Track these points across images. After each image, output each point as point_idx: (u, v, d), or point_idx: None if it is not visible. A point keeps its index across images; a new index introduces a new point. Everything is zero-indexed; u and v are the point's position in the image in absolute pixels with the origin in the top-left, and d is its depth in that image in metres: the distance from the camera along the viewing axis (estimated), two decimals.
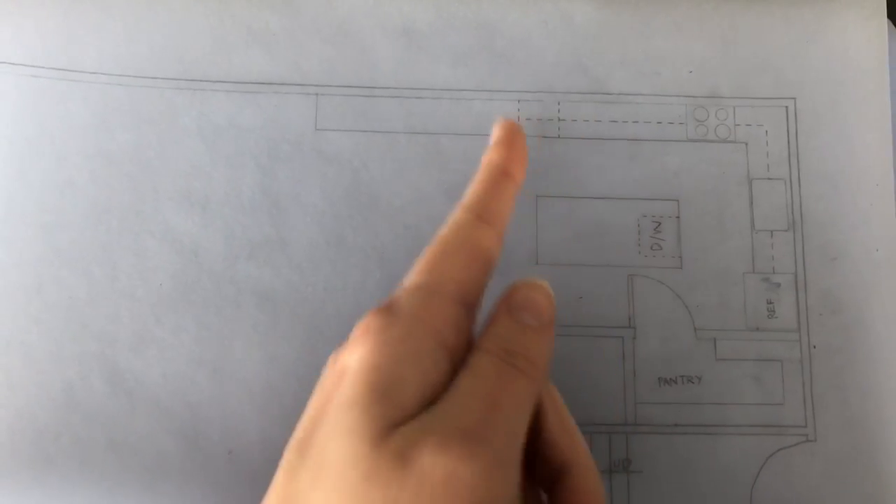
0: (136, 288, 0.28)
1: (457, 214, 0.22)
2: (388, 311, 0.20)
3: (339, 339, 0.28)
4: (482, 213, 0.22)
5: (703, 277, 0.28)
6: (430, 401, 0.18)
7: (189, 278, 0.28)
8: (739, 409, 0.27)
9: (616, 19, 0.30)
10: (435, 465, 0.17)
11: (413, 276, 0.21)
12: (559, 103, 0.30)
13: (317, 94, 0.29)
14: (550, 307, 0.21)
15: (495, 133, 0.24)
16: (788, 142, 0.30)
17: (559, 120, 0.30)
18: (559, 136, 0.29)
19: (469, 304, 0.21)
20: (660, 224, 0.29)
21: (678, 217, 0.29)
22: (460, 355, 0.20)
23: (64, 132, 0.29)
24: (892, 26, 0.31)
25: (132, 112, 0.29)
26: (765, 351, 0.28)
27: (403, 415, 0.18)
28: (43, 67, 0.29)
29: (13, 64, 0.29)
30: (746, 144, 0.30)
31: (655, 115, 0.30)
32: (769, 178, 0.29)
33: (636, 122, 0.30)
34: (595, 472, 0.21)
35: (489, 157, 0.24)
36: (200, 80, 0.29)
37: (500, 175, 0.23)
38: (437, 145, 0.29)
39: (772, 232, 0.29)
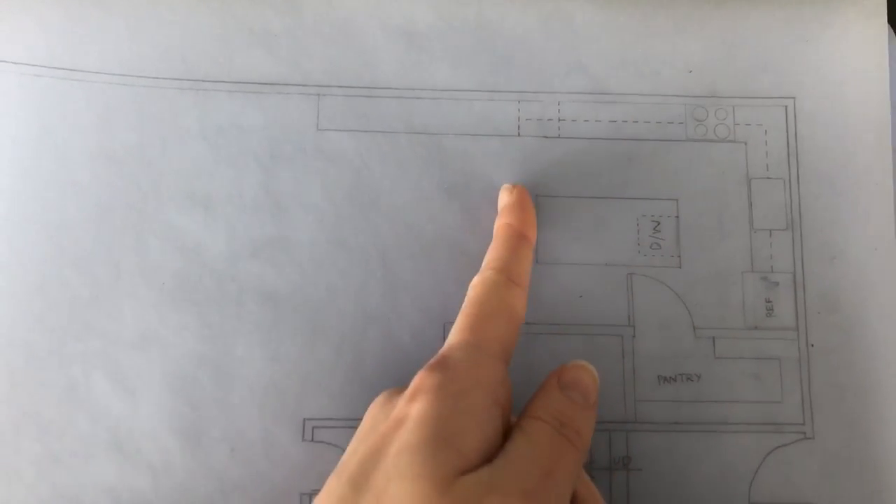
0: (138, 287, 0.28)
1: (490, 276, 0.24)
2: (444, 366, 0.21)
3: (340, 337, 0.28)
4: (511, 275, 0.24)
5: (702, 276, 0.29)
6: (488, 455, 0.20)
7: (191, 277, 0.28)
8: (738, 407, 0.28)
9: (616, 19, 0.30)
10: None
11: (460, 334, 0.23)
12: (559, 103, 0.30)
13: (318, 95, 0.30)
14: (596, 389, 0.23)
15: (505, 198, 0.27)
16: (787, 141, 0.30)
17: (559, 120, 0.30)
18: (559, 136, 0.30)
19: (508, 363, 0.23)
20: (659, 223, 0.29)
21: (677, 216, 0.29)
22: (508, 413, 0.22)
23: (66, 132, 0.29)
24: (891, 27, 0.31)
25: (135, 112, 0.29)
26: (763, 349, 0.28)
27: (466, 464, 0.19)
28: (45, 67, 0.29)
29: (16, 63, 0.29)
30: (745, 144, 0.30)
31: (655, 114, 0.30)
32: (768, 178, 0.29)
33: (636, 121, 0.30)
34: None
35: (506, 221, 0.26)
36: (203, 81, 0.30)
37: (519, 238, 0.26)
38: (438, 145, 0.29)
39: (771, 231, 0.29)
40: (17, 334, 0.28)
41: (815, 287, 0.29)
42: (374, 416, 0.22)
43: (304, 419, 0.27)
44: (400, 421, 0.20)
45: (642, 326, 0.28)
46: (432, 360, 0.22)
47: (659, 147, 0.30)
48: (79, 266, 0.28)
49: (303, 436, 0.27)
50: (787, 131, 0.30)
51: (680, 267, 0.29)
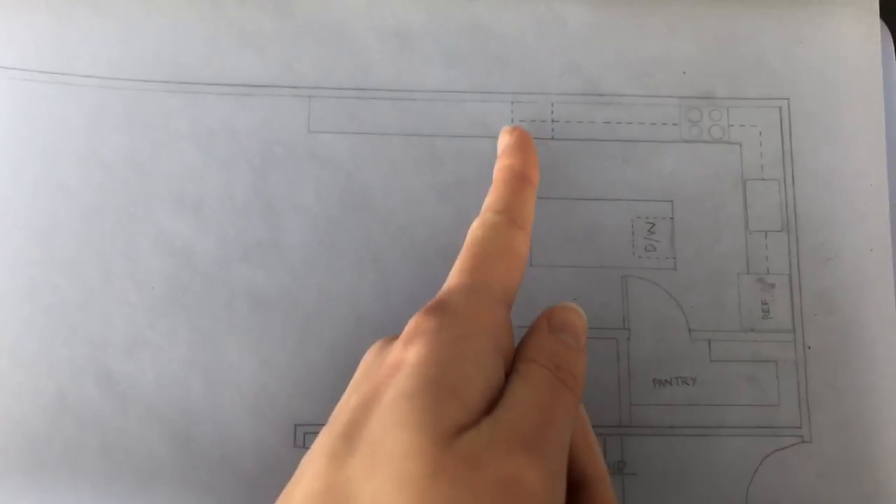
0: (128, 291, 0.28)
1: (490, 217, 0.23)
2: (442, 309, 0.20)
3: (332, 341, 0.28)
4: (514, 216, 0.23)
5: (697, 278, 0.28)
6: (489, 403, 0.19)
7: (182, 281, 0.28)
8: (734, 410, 0.27)
9: (609, 20, 0.30)
10: (501, 470, 0.17)
11: (459, 276, 0.21)
12: (552, 104, 0.30)
13: (310, 97, 0.29)
14: (585, 330, 0.22)
15: (505, 139, 0.26)
16: (782, 142, 0.30)
17: (552, 121, 0.30)
18: (552, 138, 0.29)
19: (510, 307, 0.22)
20: (654, 225, 0.29)
21: (672, 218, 0.29)
22: (510, 359, 0.21)
23: (56, 135, 0.29)
24: (885, 26, 0.31)
25: (125, 115, 0.29)
26: (759, 352, 0.28)
27: (468, 416, 0.18)
28: (35, 71, 0.29)
29: (5, 67, 0.29)
30: (740, 145, 0.30)
31: (649, 116, 0.30)
32: (763, 179, 0.29)
33: (630, 123, 0.30)
34: (610, 485, 0.22)
35: (506, 162, 0.25)
36: (193, 83, 0.29)
37: (521, 179, 0.24)
38: (431, 147, 0.29)
39: (766, 233, 0.29)
40: (5, 339, 0.27)
41: (811, 289, 0.28)
42: (368, 364, 0.21)
43: (296, 425, 0.27)
44: (395, 367, 0.19)
45: (637, 329, 0.28)
46: (429, 303, 0.21)
47: (653, 148, 0.29)
48: (68, 270, 0.28)
49: (294, 442, 0.27)
50: (782, 132, 0.30)
51: (675, 269, 0.28)
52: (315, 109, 0.29)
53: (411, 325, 0.20)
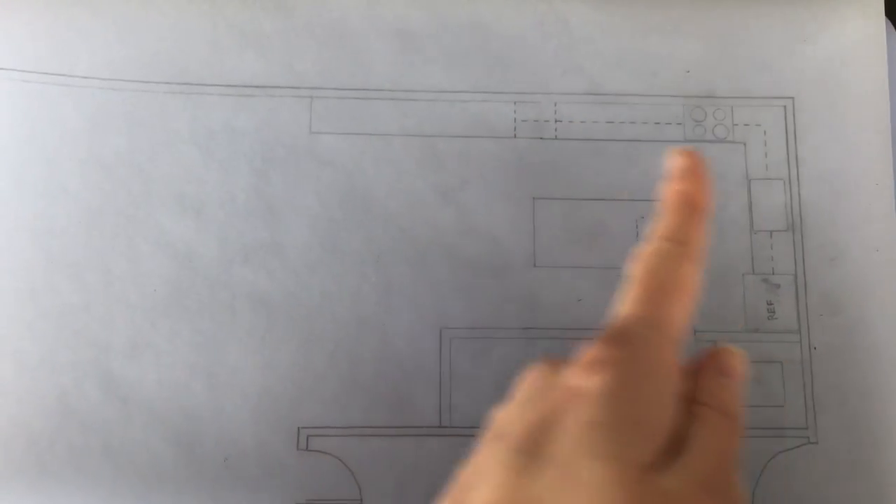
0: (129, 294, 0.28)
1: (667, 247, 0.22)
2: (624, 341, 0.20)
3: (335, 343, 0.28)
4: (687, 249, 0.22)
5: (701, 279, 0.28)
6: (672, 445, 0.19)
7: (183, 283, 0.28)
8: None
9: (612, 20, 0.30)
10: None
11: (635, 307, 0.21)
12: (555, 104, 0.29)
13: (311, 97, 0.29)
14: (744, 378, 0.22)
15: (678, 161, 0.24)
16: (787, 141, 0.29)
17: (556, 121, 0.29)
18: (556, 138, 0.29)
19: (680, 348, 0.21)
20: None
21: None
22: (681, 401, 0.21)
23: (56, 137, 0.29)
24: (891, 25, 0.30)
25: (125, 116, 0.29)
26: (765, 352, 0.28)
27: (657, 455, 0.18)
28: (35, 72, 0.29)
29: (5, 69, 0.29)
30: (744, 144, 0.29)
31: (652, 115, 0.29)
32: (768, 179, 0.29)
33: (633, 122, 0.29)
34: None
35: (681, 187, 0.23)
36: (194, 84, 0.29)
37: (693, 207, 0.23)
38: (433, 147, 0.29)
39: (771, 232, 0.29)
40: (8, 343, 0.27)
41: (816, 288, 0.28)
42: (535, 384, 0.21)
43: (299, 427, 0.27)
44: (576, 392, 0.19)
45: None
46: (609, 332, 0.20)
47: (657, 148, 0.29)
48: (69, 273, 0.28)
49: (297, 444, 0.27)
50: (787, 131, 0.29)
51: None
52: (316, 110, 0.29)
53: (593, 352, 0.20)
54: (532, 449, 0.18)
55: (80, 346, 0.27)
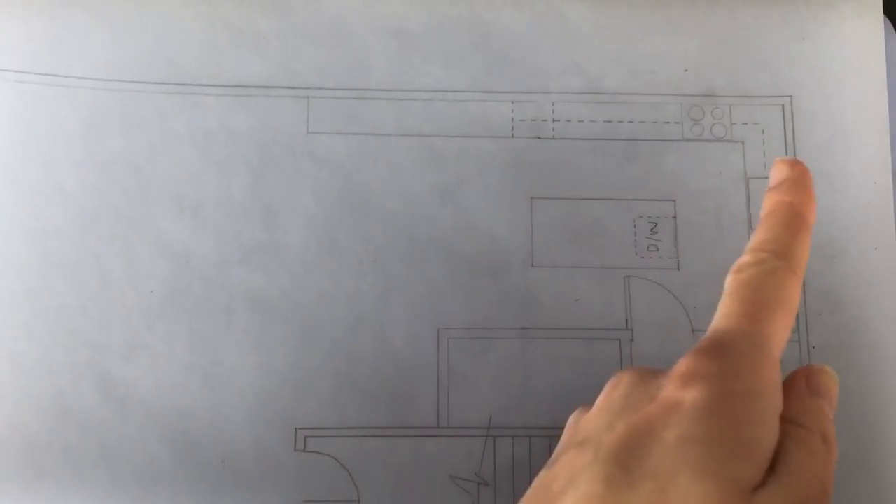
0: (126, 294, 0.28)
1: (770, 261, 0.21)
2: (724, 355, 0.19)
3: (332, 344, 0.28)
4: (790, 262, 0.21)
5: (700, 278, 0.28)
6: (769, 466, 0.18)
7: (180, 284, 0.28)
8: None
9: (610, 18, 0.30)
10: None
11: (735, 321, 0.20)
12: (553, 103, 0.29)
13: (308, 97, 0.29)
14: (837, 397, 0.22)
15: (783, 171, 0.23)
16: (785, 140, 0.29)
17: (554, 120, 0.29)
18: (554, 137, 0.29)
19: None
20: (656, 225, 0.29)
21: (675, 217, 0.29)
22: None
23: (52, 138, 0.29)
24: (889, 23, 0.30)
25: (121, 117, 0.29)
26: None
27: (758, 475, 0.18)
28: (30, 73, 0.29)
29: (1, 70, 0.29)
30: (743, 143, 0.29)
31: (651, 114, 0.29)
32: (766, 177, 0.29)
33: (631, 121, 0.29)
34: None
35: (785, 199, 0.22)
36: (190, 84, 0.29)
37: (800, 221, 0.22)
38: (431, 147, 0.29)
39: None
40: (4, 344, 0.27)
41: (815, 287, 0.28)
42: (627, 394, 0.20)
43: (296, 428, 0.27)
44: (672, 405, 0.18)
45: (640, 330, 0.28)
46: (705, 344, 0.19)
47: (655, 147, 0.29)
48: (66, 274, 0.28)
49: (295, 445, 0.27)
50: (785, 130, 0.29)
51: (678, 269, 0.28)
52: (314, 110, 0.29)
53: (688, 363, 0.19)
54: (626, 461, 0.18)
55: (77, 346, 0.27)
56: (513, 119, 0.29)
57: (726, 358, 0.19)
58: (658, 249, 0.28)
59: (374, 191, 0.29)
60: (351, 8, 0.30)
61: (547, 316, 0.28)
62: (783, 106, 0.30)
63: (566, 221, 0.29)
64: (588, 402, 0.23)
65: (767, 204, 0.23)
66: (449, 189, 0.29)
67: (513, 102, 0.29)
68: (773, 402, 0.19)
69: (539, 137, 0.29)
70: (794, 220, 0.22)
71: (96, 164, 0.28)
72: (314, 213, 0.28)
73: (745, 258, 0.21)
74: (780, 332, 0.20)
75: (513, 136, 0.29)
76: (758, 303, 0.20)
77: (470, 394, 0.27)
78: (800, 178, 0.23)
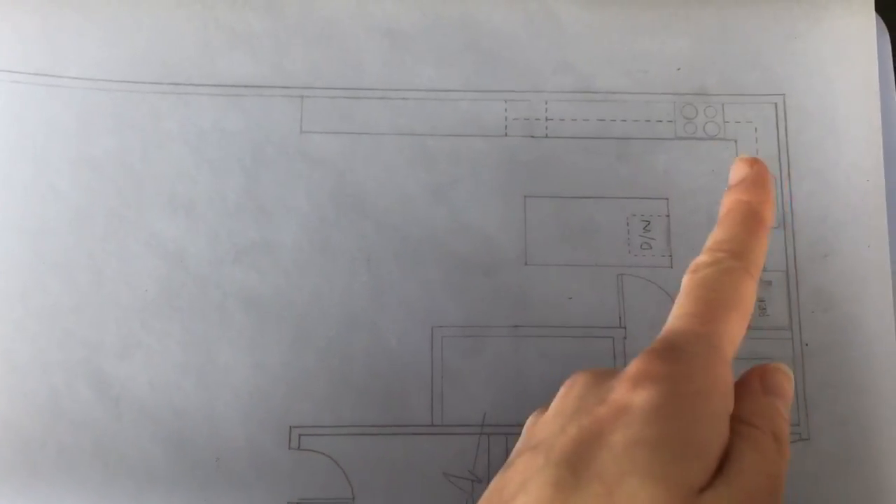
0: (120, 294, 0.28)
1: (725, 260, 0.21)
2: (675, 357, 0.19)
3: (326, 343, 0.28)
4: (746, 263, 0.21)
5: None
6: (718, 466, 0.18)
7: (174, 283, 0.28)
8: None
9: (602, 17, 0.30)
10: None
11: (686, 321, 0.20)
12: (546, 102, 0.29)
13: (301, 97, 0.29)
14: (792, 397, 0.21)
15: (741, 170, 0.23)
16: (778, 138, 0.29)
17: (546, 119, 0.29)
18: (546, 136, 0.29)
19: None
20: (649, 223, 0.29)
21: (668, 215, 0.29)
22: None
23: (46, 138, 0.29)
24: (881, 21, 0.30)
25: (115, 117, 0.29)
26: (757, 349, 0.28)
27: (706, 476, 0.18)
28: (23, 73, 0.29)
29: None
30: (736, 141, 0.29)
31: (643, 113, 0.29)
32: None
33: (624, 120, 0.29)
34: None
35: (743, 198, 0.22)
36: (184, 84, 0.29)
37: (755, 219, 0.22)
38: (424, 146, 0.29)
39: None
40: None
41: (808, 285, 0.28)
42: (580, 396, 0.20)
43: (291, 427, 0.27)
44: (622, 408, 0.18)
45: (634, 328, 0.28)
46: (657, 345, 0.19)
47: (648, 146, 0.29)
48: (60, 273, 0.28)
49: (289, 443, 0.27)
50: (778, 128, 0.29)
51: (671, 267, 0.28)
52: (307, 109, 0.29)
53: (639, 365, 0.19)
54: (576, 464, 0.18)
55: (71, 345, 0.27)
56: (506, 118, 0.29)
57: (678, 359, 0.19)
58: (651, 247, 0.28)
59: (368, 190, 0.29)
60: (344, 8, 0.30)
61: (540, 314, 0.28)
62: (776, 104, 0.30)
63: (559, 220, 0.29)
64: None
65: (726, 203, 0.22)
66: (442, 188, 0.29)
67: (506, 101, 0.29)
68: (724, 402, 0.19)
69: (532, 136, 0.29)
70: (751, 220, 0.22)
71: (90, 164, 0.29)
72: (307, 213, 0.28)
73: (701, 258, 0.21)
74: (733, 332, 0.20)
75: (506, 135, 0.29)
76: (712, 303, 0.20)
77: (463, 392, 0.27)
78: (758, 177, 0.22)
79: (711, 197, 0.29)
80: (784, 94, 0.30)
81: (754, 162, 0.23)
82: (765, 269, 0.28)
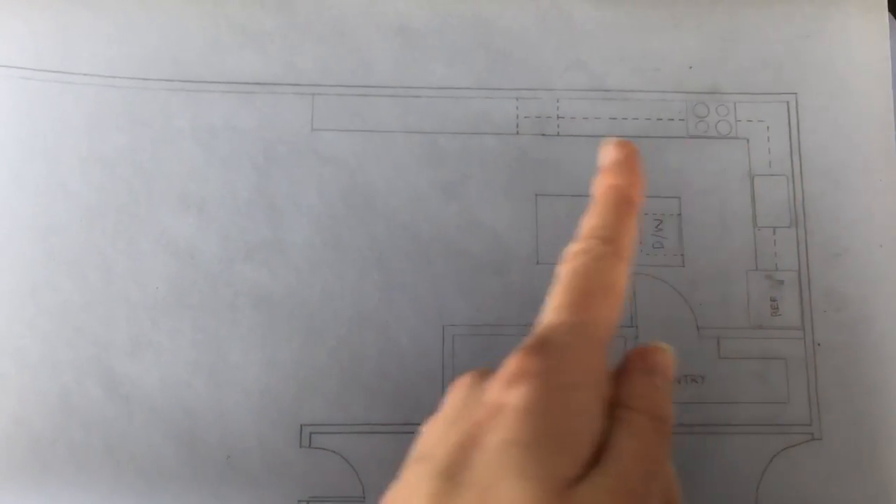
0: (131, 291, 0.28)
1: (596, 247, 0.21)
2: (547, 350, 0.19)
3: (337, 340, 0.28)
4: (617, 247, 0.21)
5: (705, 275, 0.28)
6: (595, 452, 0.18)
7: (185, 281, 0.28)
8: (743, 407, 0.27)
9: (614, 15, 0.30)
10: None
11: (561, 313, 0.20)
12: (558, 101, 0.29)
13: (312, 94, 0.29)
14: (673, 371, 0.21)
15: (610, 154, 0.23)
16: (790, 137, 0.29)
17: (558, 117, 0.29)
18: (558, 134, 0.29)
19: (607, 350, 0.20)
20: (661, 222, 0.29)
21: (680, 214, 0.29)
22: (608, 403, 0.20)
23: (57, 135, 0.29)
24: (894, 20, 0.30)
25: (126, 114, 0.29)
26: (769, 349, 0.28)
27: (579, 468, 0.18)
28: (35, 70, 0.29)
29: (5, 66, 0.29)
30: (748, 140, 0.29)
31: (655, 111, 0.29)
32: (771, 175, 0.29)
33: (636, 119, 0.29)
34: None
35: (612, 182, 0.22)
36: (195, 81, 0.29)
37: (627, 204, 0.22)
38: (435, 144, 0.29)
39: (774, 228, 0.29)
40: (9, 341, 0.27)
41: (820, 285, 0.28)
42: (461, 399, 0.20)
43: (302, 425, 0.27)
44: (497, 408, 0.18)
45: (645, 326, 0.28)
46: (531, 341, 0.19)
47: (660, 144, 0.29)
48: (70, 271, 0.28)
49: (300, 442, 0.27)
50: (790, 127, 0.29)
51: (683, 266, 0.28)
52: (318, 107, 0.29)
53: (513, 363, 0.19)
54: (454, 472, 0.17)
55: (82, 343, 0.27)
56: (517, 116, 0.29)
57: (549, 354, 0.19)
58: (663, 247, 0.28)
59: (379, 188, 0.29)
60: (355, 6, 0.30)
61: None
62: (788, 103, 0.30)
63: (571, 218, 0.28)
64: None
65: (596, 189, 0.22)
66: (453, 186, 0.29)
67: (517, 99, 0.29)
68: (597, 390, 0.19)
69: (543, 134, 0.29)
70: (620, 204, 0.22)
71: (100, 161, 0.28)
72: (319, 211, 0.28)
73: (573, 246, 0.21)
74: (608, 318, 0.20)
75: (517, 133, 0.29)
76: (584, 291, 0.20)
77: None
78: (626, 159, 0.22)
79: (723, 195, 0.29)
80: (796, 94, 0.30)
81: (621, 145, 0.23)
82: (777, 269, 0.28)
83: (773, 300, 0.28)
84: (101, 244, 0.28)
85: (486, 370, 0.21)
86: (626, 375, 0.21)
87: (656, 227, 0.28)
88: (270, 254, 0.28)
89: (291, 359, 0.27)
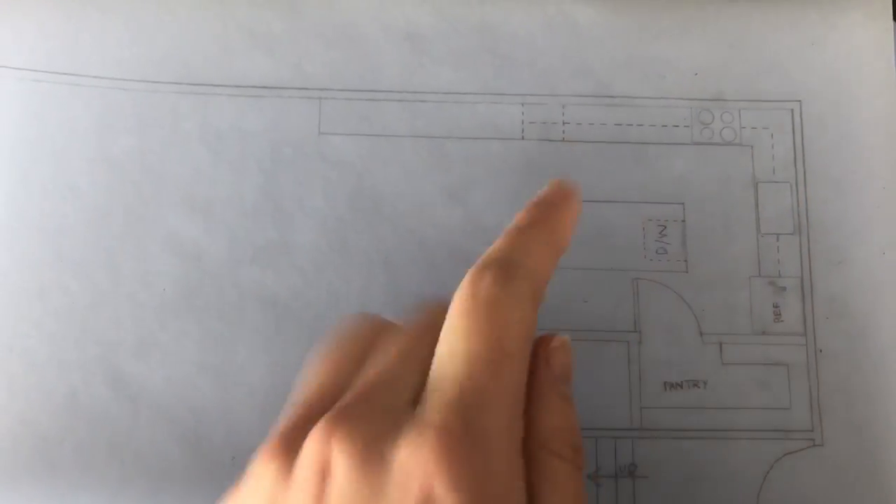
0: (138, 293, 0.28)
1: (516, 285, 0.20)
2: (467, 438, 0.17)
3: None
4: (535, 288, 0.20)
5: (708, 281, 0.28)
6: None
7: (192, 283, 0.28)
8: (746, 413, 0.27)
9: (620, 21, 0.30)
10: None
11: (457, 391, 0.18)
12: (563, 106, 0.30)
13: (320, 98, 0.29)
14: (571, 366, 0.21)
15: (543, 191, 0.23)
16: (794, 144, 0.29)
17: (563, 123, 0.29)
18: (563, 140, 0.29)
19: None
20: (665, 228, 0.29)
21: (683, 221, 0.29)
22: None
23: (66, 137, 0.29)
24: None
25: (134, 116, 0.29)
26: (771, 355, 0.28)
27: None
28: (44, 72, 0.29)
29: (14, 68, 0.29)
30: (752, 147, 0.29)
31: (660, 118, 0.30)
32: (775, 181, 0.29)
33: (641, 125, 0.29)
34: None
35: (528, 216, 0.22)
36: (203, 85, 0.29)
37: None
38: (441, 149, 0.29)
39: (778, 235, 0.29)
40: (16, 341, 0.27)
41: (823, 291, 0.28)
42: (381, 479, 0.18)
43: None
44: (427, 499, 0.17)
45: (648, 332, 0.28)
46: (445, 422, 0.17)
47: (664, 150, 0.29)
48: (78, 272, 0.28)
49: None
50: (794, 134, 0.29)
51: (686, 272, 0.28)
52: (325, 111, 0.29)
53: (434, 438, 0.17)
54: None
55: (89, 344, 0.27)
56: (523, 122, 0.29)
57: (472, 442, 0.17)
58: (667, 252, 0.28)
59: (385, 192, 0.29)
60: (363, 11, 0.30)
61: (555, 318, 0.28)
62: (792, 110, 0.30)
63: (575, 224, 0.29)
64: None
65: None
66: (459, 191, 0.29)
67: (523, 105, 0.30)
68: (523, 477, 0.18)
69: (549, 140, 0.29)
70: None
71: (109, 163, 0.29)
72: (325, 214, 0.29)
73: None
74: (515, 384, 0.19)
75: (523, 138, 0.29)
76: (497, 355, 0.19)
77: None
78: (552, 196, 0.22)
79: (727, 202, 0.29)
80: (800, 101, 0.30)
81: (557, 182, 0.23)
82: (780, 275, 0.28)
83: (775, 306, 0.28)
84: (108, 245, 0.28)
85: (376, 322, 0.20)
86: (541, 402, 0.19)
87: (660, 233, 0.29)
88: (277, 256, 0.28)
89: (297, 360, 0.27)
